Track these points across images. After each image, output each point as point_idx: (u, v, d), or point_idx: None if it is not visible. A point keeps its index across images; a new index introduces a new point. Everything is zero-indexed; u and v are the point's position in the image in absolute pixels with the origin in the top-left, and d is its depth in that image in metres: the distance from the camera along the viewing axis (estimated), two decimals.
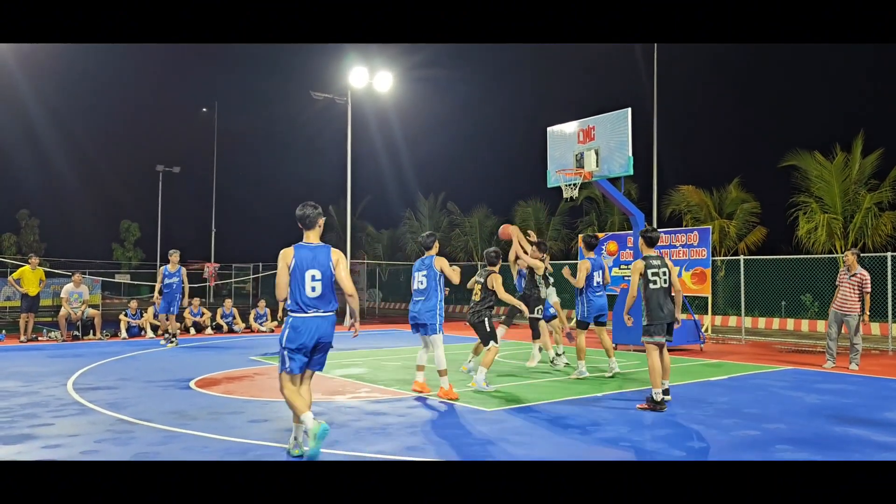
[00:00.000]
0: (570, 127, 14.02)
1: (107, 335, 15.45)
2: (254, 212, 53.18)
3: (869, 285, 10.85)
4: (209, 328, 17.06)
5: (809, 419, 6.97)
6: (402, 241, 37.16)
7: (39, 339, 14.92)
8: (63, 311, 15.06)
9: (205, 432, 6.10)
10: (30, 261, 15.47)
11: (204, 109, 40.00)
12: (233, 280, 34.17)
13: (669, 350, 13.38)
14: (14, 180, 40.90)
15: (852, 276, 10.92)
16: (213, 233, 37.03)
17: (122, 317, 16.08)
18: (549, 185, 14.45)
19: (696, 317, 14.54)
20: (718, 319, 20.73)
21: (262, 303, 18.99)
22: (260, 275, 31.58)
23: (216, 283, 31.94)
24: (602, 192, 14.86)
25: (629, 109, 12.95)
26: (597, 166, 13.20)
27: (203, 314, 17.34)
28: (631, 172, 12.94)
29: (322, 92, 21.71)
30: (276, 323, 18.30)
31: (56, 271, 17.79)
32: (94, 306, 17.06)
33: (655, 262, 7.46)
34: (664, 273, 7.45)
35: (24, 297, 15.00)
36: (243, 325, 17.69)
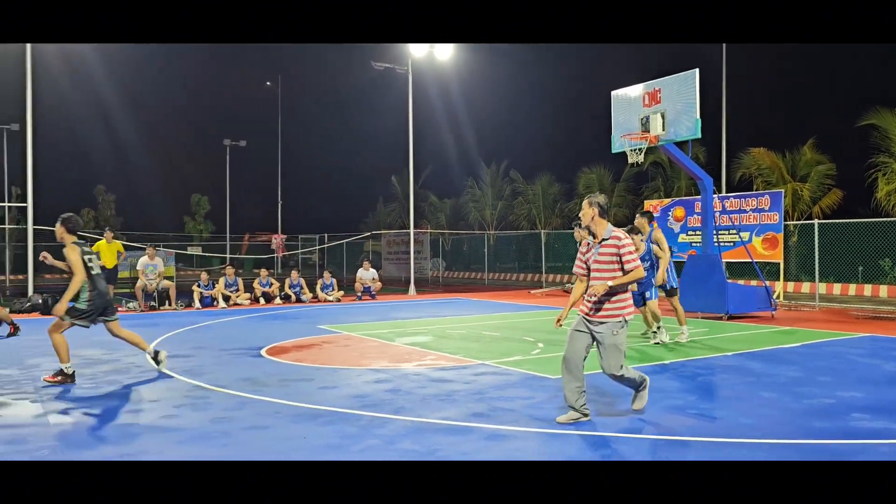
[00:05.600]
0: (635, 90, 13.68)
1: (181, 305, 16.05)
2: (319, 183, 53.99)
3: None
4: (278, 298, 17.51)
5: (888, 387, 6.72)
6: (465, 210, 37.16)
7: (119, 309, 15.59)
8: (140, 283, 15.69)
9: (276, 398, 6.29)
10: (105, 234, 16.11)
11: (268, 83, 40.60)
12: (299, 251, 34.90)
13: (739, 317, 13.15)
14: (91, 157, 42.58)
15: None
16: (279, 205, 37.82)
17: (195, 287, 16.65)
18: (613, 151, 14.18)
19: (767, 283, 14.13)
20: (791, 286, 20.08)
21: (327, 273, 19.35)
22: (325, 245, 32.13)
23: (284, 254, 32.66)
24: (669, 156, 14.51)
25: (697, 70, 12.54)
26: (663, 130, 12.87)
27: (272, 285, 17.79)
28: (699, 135, 12.57)
29: (382, 62, 21.74)
30: (342, 292, 18.65)
31: (132, 244, 18.49)
32: (169, 278, 17.69)
33: None
34: None
35: (103, 269, 15.65)
36: (311, 295, 18.08)
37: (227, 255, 30.17)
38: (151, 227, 35.50)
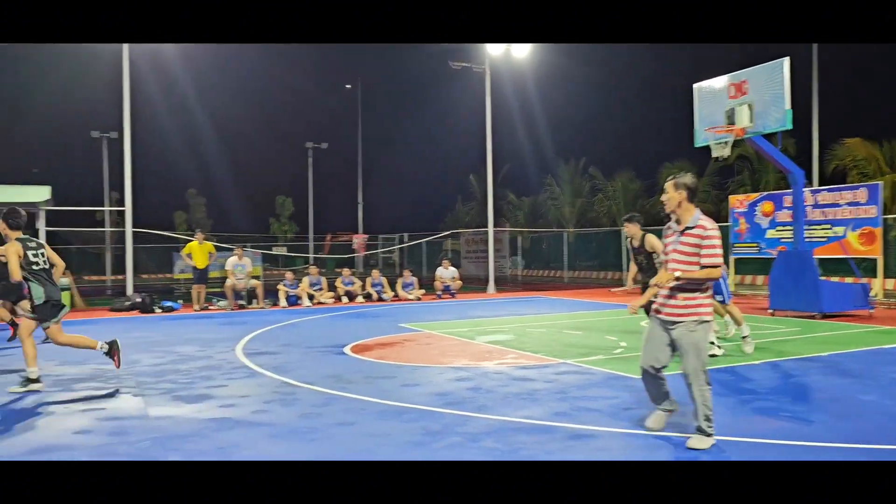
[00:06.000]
0: (720, 82, 13.27)
1: (268, 304, 16.57)
2: (398, 183, 54.62)
3: None
4: (360, 297, 17.85)
5: None
6: (543, 207, 36.86)
7: (210, 308, 16.24)
8: (229, 283, 16.30)
9: (361, 395, 6.43)
10: (195, 236, 16.82)
11: (348, 86, 41.39)
12: (380, 250, 35.44)
13: (833, 316, 12.55)
14: (183, 162, 44.42)
15: None
16: (360, 205, 38.49)
17: (280, 286, 17.16)
18: (696, 145, 13.80)
19: (864, 280, 13.43)
20: (890, 283, 19.01)
21: (407, 272, 19.58)
22: (405, 245, 32.52)
23: (365, 253, 33.26)
24: (756, 149, 13.99)
25: (786, 59, 12.05)
26: (750, 122, 12.44)
27: (354, 283, 18.15)
28: (789, 126, 12.08)
29: (460, 61, 21.83)
30: (423, 291, 18.84)
31: (221, 245, 19.23)
32: (256, 277, 18.30)
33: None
34: None
35: (195, 269, 16.36)
36: (392, 294, 18.35)
37: (311, 255, 30.93)
38: (238, 228, 36.81)
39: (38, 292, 6.91)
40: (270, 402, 6.28)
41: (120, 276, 21.42)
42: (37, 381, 6.91)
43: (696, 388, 4.61)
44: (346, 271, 18.54)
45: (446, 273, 19.58)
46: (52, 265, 7.20)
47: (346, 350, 9.37)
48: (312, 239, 37.02)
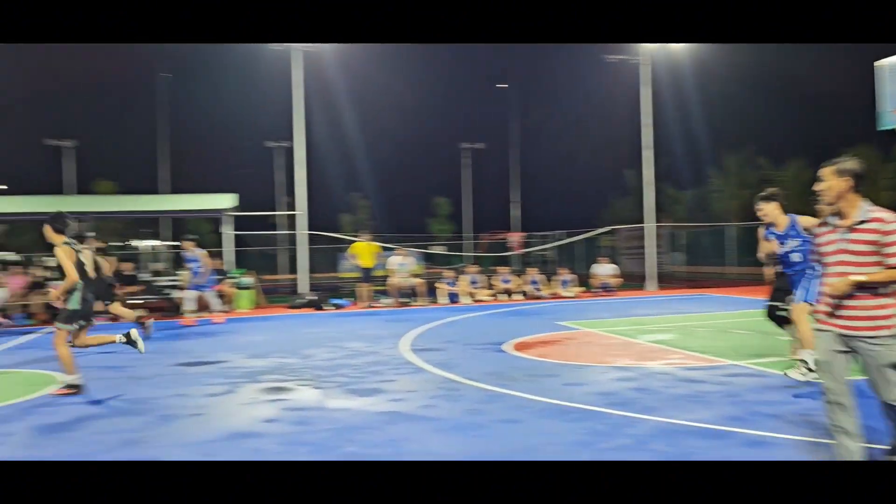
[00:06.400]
0: None
1: (429, 302, 17.09)
2: (553, 181, 54.25)
3: None
4: (518, 294, 17.95)
5: None
6: (706, 200, 35.18)
7: (375, 305, 16.99)
8: (392, 281, 16.99)
9: (524, 393, 6.49)
10: (361, 237, 17.67)
11: (500, 85, 41.69)
12: (536, 248, 35.35)
13: None
14: (348, 167, 46.63)
15: None
16: (515, 203, 38.69)
17: (440, 285, 17.63)
18: (880, 128, 12.60)
19: None
20: None
21: (564, 269, 19.44)
22: (561, 242, 32.24)
23: (521, 251, 33.36)
24: None
25: None
26: None
27: (511, 281, 18.28)
28: None
29: (615, 54, 21.35)
30: (580, 288, 18.63)
31: (385, 245, 20.05)
32: (418, 276, 18.91)
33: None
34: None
35: (361, 268, 17.19)
36: (549, 291, 18.29)
37: (468, 254, 31.48)
38: (399, 228, 38.13)
39: (76, 299, 6.98)
40: (436, 397, 6.49)
41: (293, 276, 22.92)
42: (77, 387, 6.90)
43: None
44: (503, 269, 18.73)
45: (604, 270, 19.23)
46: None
47: (507, 347, 9.47)
48: (468, 238, 37.65)
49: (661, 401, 6.02)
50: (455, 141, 39.22)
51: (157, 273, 18.72)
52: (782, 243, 6.61)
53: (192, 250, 13.58)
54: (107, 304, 11.00)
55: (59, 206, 18.43)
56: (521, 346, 9.54)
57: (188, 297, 13.65)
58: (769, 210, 6.68)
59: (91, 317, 7.29)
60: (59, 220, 7.02)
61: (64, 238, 6.96)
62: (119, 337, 7.48)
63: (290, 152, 27.25)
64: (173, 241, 35.44)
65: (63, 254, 6.81)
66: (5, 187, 35.22)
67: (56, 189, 30.21)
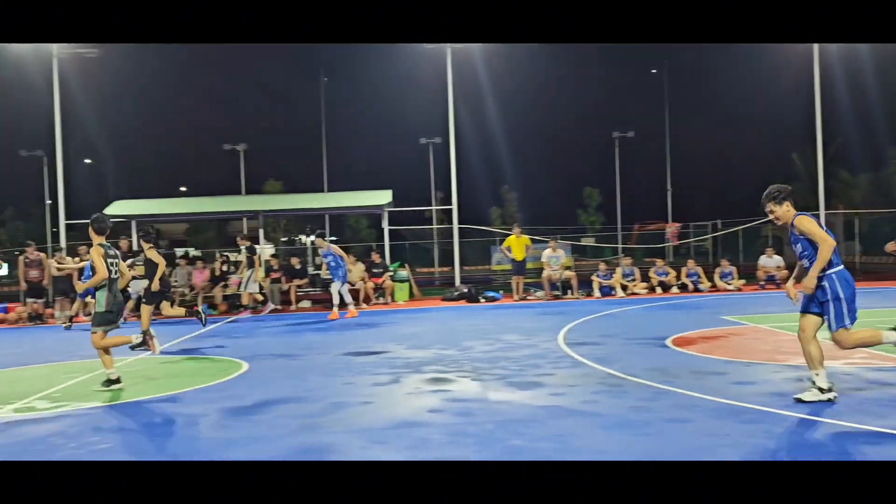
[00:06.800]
0: None
1: (582, 294, 16.86)
2: (709, 168, 51.60)
3: None
4: (674, 287, 17.30)
5: None
6: (888, 185, 32.09)
7: (528, 298, 17.01)
8: (545, 273, 16.91)
9: (690, 391, 6.25)
10: (513, 230, 17.74)
11: (653, 71, 40.24)
12: (691, 239, 33.86)
13: None
14: (496, 162, 46.89)
15: None
16: (669, 192, 37.20)
17: (593, 277, 17.34)
18: None
19: None
20: None
21: (725, 261, 18.48)
22: (719, 232, 30.68)
23: (677, 242, 32.09)
24: None
25: None
26: None
27: (668, 274, 17.64)
28: None
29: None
30: (743, 281, 17.66)
31: (536, 238, 20.01)
32: (569, 268, 18.72)
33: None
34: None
35: (513, 261, 17.26)
36: (709, 284, 17.48)
37: (619, 245, 30.72)
38: (549, 220, 37.86)
39: (102, 301, 7.24)
40: (598, 392, 6.41)
41: (445, 268, 23.43)
42: (117, 381, 7.29)
43: None
44: (659, 262, 18.12)
45: (770, 262, 18.08)
46: (119, 276, 7.54)
47: (668, 342, 9.16)
48: (621, 229, 36.72)
49: (848, 405, 5.57)
50: (608, 130, 38.32)
51: (320, 267, 19.78)
52: None
53: (325, 246, 14.03)
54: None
55: (234, 206, 20.04)
56: (682, 342, 9.19)
57: (333, 292, 13.94)
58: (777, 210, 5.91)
59: (119, 317, 7.54)
60: (99, 222, 7.39)
61: (101, 239, 7.33)
62: (134, 338, 7.75)
63: (440, 148, 27.78)
64: (332, 236, 37.30)
65: (95, 253, 7.16)
66: (185, 189, 38.60)
67: (232, 190, 32.66)
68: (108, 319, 7.28)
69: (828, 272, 5.51)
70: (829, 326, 5.60)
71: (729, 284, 17.51)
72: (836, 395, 5.59)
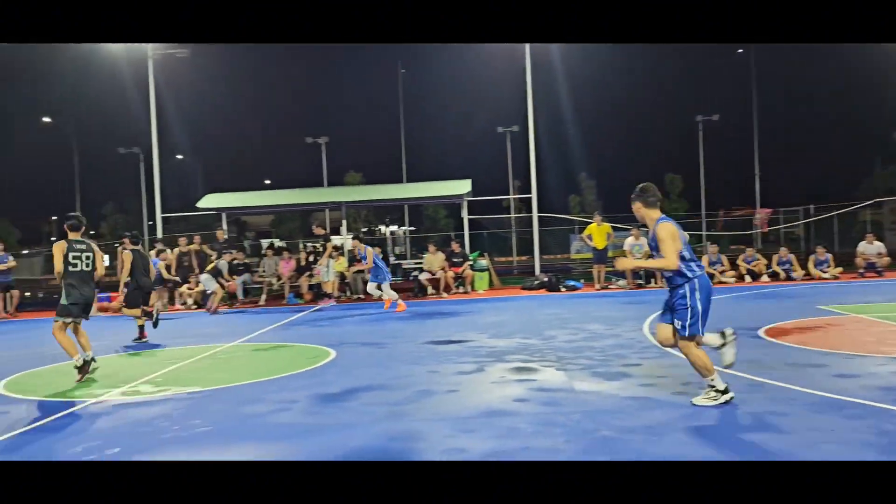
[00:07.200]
0: None
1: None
2: (801, 150, 49.34)
3: None
4: (765, 276, 16.66)
5: None
6: None
7: (609, 287, 16.73)
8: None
9: (788, 384, 6.01)
10: (594, 218, 17.45)
11: (740, 50, 38.76)
12: (781, 225, 32.52)
13: None
14: (572, 149, 46.24)
15: None
16: (756, 177, 35.84)
17: None
18: None
19: None
20: None
21: (821, 248, 17.66)
22: (812, 218, 29.35)
23: (768, 229, 30.89)
24: None
25: None
26: None
27: (757, 261, 17.01)
28: None
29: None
30: (840, 269, 16.85)
31: (617, 226, 19.64)
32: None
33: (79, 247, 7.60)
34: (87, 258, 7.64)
35: (594, 250, 17.01)
36: (802, 272, 16.75)
37: (703, 232, 29.81)
38: (630, 208, 37.17)
39: (64, 294, 7.50)
40: (688, 384, 6.22)
41: (524, 257, 23.30)
42: (82, 366, 7.39)
43: None
44: (749, 249, 17.49)
45: (871, 248, 17.18)
46: (94, 269, 7.70)
47: (761, 333, 8.83)
48: (705, 216, 35.63)
49: None
50: (692, 113, 37.20)
51: (400, 256, 20.02)
52: None
53: (361, 247, 13.98)
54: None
55: (317, 197, 20.50)
56: (776, 332, 8.84)
57: (371, 288, 13.84)
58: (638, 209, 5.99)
59: (85, 310, 7.70)
60: (73, 219, 7.71)
61: (76, 235, 7.65)
62: (77, 358, 7.48)
63: (517, 137, 27.59)
64: (410, 226, 37.63)
65: (56, 249, 7.47)
66: (269, 182, 39.68)
67: (314, 182, 33.39)
68: (66, 311, 7.52)
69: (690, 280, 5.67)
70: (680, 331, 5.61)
71: (825, 273, 16.73)
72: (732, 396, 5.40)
